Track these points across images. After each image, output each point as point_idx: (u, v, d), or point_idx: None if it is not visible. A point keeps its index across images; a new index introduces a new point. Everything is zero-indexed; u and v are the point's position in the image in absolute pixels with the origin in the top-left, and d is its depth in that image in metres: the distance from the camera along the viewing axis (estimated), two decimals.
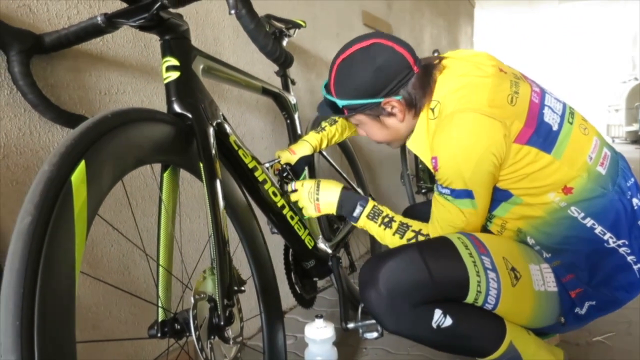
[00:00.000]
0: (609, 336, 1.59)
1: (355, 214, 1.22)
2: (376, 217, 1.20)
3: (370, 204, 1.22)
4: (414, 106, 1.13)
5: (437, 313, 1.02)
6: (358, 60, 1.10)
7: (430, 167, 1.12)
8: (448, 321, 1.02)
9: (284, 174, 1.35)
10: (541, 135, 1.04)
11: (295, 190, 1.26)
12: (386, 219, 1.19)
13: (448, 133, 1.04)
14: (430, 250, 1.07)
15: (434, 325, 1.02)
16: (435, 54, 3.17)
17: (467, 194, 1.07)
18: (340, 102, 1.14)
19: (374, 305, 1.03)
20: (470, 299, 1.03)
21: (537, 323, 1.12)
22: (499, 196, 1.12)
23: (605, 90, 11.56)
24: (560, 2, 9.81)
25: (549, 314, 1.11)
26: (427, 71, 1.13)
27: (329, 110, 1.20)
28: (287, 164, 1.37)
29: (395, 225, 1.18)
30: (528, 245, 1.13)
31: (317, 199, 1.23)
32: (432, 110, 1.11)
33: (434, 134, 1.09)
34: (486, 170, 1.04)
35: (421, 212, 1.41)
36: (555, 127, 1.06)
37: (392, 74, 1.09)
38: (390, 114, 1.15)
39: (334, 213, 1.24)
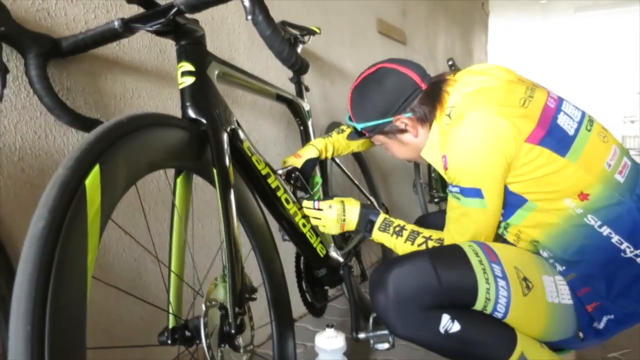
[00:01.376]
0: (625, 352, 1.56)
1: (368, 229, 1.26)
2: (387, 228, 1.23)
3: (382, 216, 1.25)
4: (425, 120, 1.17)
5: (445, 318, 1.02)
6: (367, 86, 1.20)
7: (442, 171, 1.13)
8: (456, 327, 1.02)
9: (294, 179, 1.34)
10: (554, 137, 1.03)
11: (320, 210, 1.27)
12: (397, 228, 1.22)
13: (457, 131, 1.06)
14: (440, 255, 1.07)
15: (442, 330, 1.01)
16: (449, 63, 3.17)
17: (477, 193, 1.07)
18: (359, 126, 1.23)
19: (382, 309, 1.04)
20: (479, 306, 1.02)
21: (551, 336, 1.09)
22: (513, 201, 1.10)
23: (621, 101, 11.44)
24: (575, 11, 9.74)
25: (564, 327, 1.08)
26: (436, 86, 1.16)
27: (356, 135, 1.30)
28: (294, 167, 1.36)
29: (406, 234, 1.20)
30: (543, 258, 1.11)
31: (344, 220, 1.27)
32: (449, 115, 1.12)
33: (447, 134, 1.10)
34: (494, 169, 1.04)
35: (432, 222, 1.39)
36: (571, 133, 1.05)
37: (398, 94, 1.16)
38: (404, 131, 1.20)
39: (353, 229, 1.28)
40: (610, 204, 1.03)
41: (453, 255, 1.07)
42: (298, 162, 1.37)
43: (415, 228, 1.21)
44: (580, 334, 1.08)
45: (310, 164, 1.38)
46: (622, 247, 1.03)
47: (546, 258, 1.10)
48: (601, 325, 1.07)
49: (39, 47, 0.92)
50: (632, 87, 11.20)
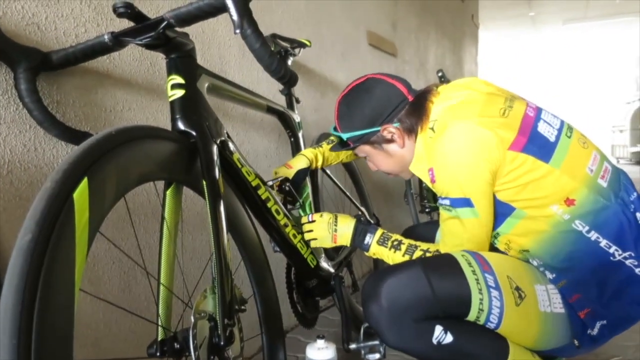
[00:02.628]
0: None
1: (366, 242, 1.26)
2: (386, 242, 1.24)
3: (380, 231, 1.26)
4: (411, 131, 1.19)
5: (438, 329, 1.02)
6: (355, 96, 1.21)
7: (430, 184, 1.14)
8: (449, 338, 1.02)
9: (284, 189, 1.34)
10: (536, 144, 1.05)
11: (313, 221, 1.29)
12: (395, 242, 1.23)
13: (442, 144, 1.08)
14: (433, 266, 1.07)
15: (435, 341, 1.01)
16: (439, 74, 3.20)
17: (467, 202, 1.08)
18: (344, 135, 1.23)
19: (375, 319, 1.04)
20: (472, 316, 1.02)
21: (543, 345, 1.10)
22: (502, 210, 1.11)
23: (609, 111, 11.58)
24: (564, 23, 9.87)
25: (557, 336, 1.09)
26: (422, 97, 1.18)
27: (340, 146, 1.29)
28: (286, 178, 1.37)
29: (404, 247, 1.21)
30: (534, 266, 1.12)
31: (335, 230, 1.27)
32: (432, 129, 1.14)
33: (431, 147, 1.12)
34: (481, 178, 1.05)
35: (420, 234, 1.41)
36: (552, 139, 1.07)
37: (386, 103, 1.18)
38: (390, 141, 1.21)
39: (348, 244, 1.28)
40: (596, 208, 1.04)
41: (446, 265, 1.07)
42: (289, 173, 1.38)
43: (412, 242, 1.22)
44: (576, 342, 1.09)
45: (301, 174, 1.39)
46: (611, 250, 1.04)
47: (536, 267, 1.11)
48: (595, 332, 1.08)
49: (29, 61, 0.93)
50: (621, 97, 11.35)
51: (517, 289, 1.05)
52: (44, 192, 0.61)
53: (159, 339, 0.85)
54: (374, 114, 1.18)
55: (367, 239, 1.25)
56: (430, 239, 1.22)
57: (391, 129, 1.18)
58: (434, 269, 1.05)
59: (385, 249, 1.23)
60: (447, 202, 1.11)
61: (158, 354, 0.83)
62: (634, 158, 9.84)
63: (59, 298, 0.58)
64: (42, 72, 0.98)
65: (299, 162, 1.41)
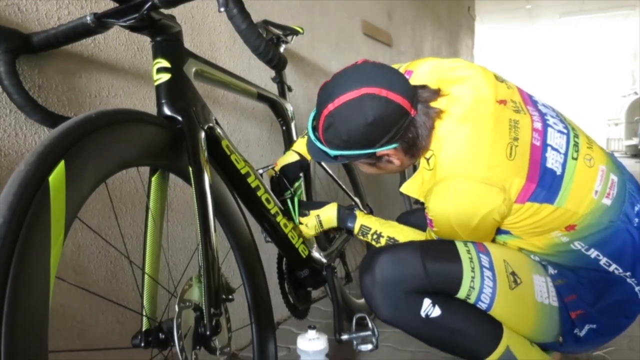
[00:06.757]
0: (610, 350, 1.55)
1: (351, 232, 1.29)
2: (366, 235, 1.26)
3: (358, 223, 1.27)
4: (410, 151, 1.07)
5: (426, 302, 1.03)
6: (347, 114, 1.00)
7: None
8: (436, 311, 1.03)
9: (276, 181, 1.33)
10: (545, 186, 0.99)
11: (301, 223, 1.31)
12: (375, 235, 1.25)
13: (444, 200, 1.02)
14: (428, 243, 1.11)
15: (423, 314, 1.03)
16: None
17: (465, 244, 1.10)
18: (332, 152, 1.07)
19: (368, 291, 1.07)
20: (462, 294, 1.03)
21: (539, 336, 1.08)
22: (499, 231, 1.11)
23: (605, 104, 11.59)
24: (560, 16, 9.85)
25: (551, 329, 1.08)
26: (427, 114, 1.03)
27: (324, 157, 1.11)
28: (280, 172, 1.35)
29: (383, 241, 1.23)
30: (535, 260, 1.11)
31: (319, 215, 1.30)
32: (427, 160, 1.07)
33: (429, 190, 1.06)
34: (486, 228, 1.05)
35: (415, 221, 1.39)
36: (559, 171, 1.01)
37: (387, 126, 1.00)
38: (388, 162, 1.10)
39: (335, 224, 1.30)
40: (596, 230, 1.02)
41: (441, 243, 1.09)
42: (279, 165, 1.36)
43: (392, 234, 1.22)
44: (560, 339, 1.08)
45: (296, 167, 1.37)
46: (610, 269, 1.03)
47: (538, 261, 1.10)
48: (582, 333, 1.07)
49: (8, 43, 0.89)
50: (616, 90, 11.37)
51: (513, 274, 1.05)
52: (17, 175, 0.58)
53: (144, 329, 0.83)
54: (371, 137, 1.02)
55: (349, 228, 1.28)
56: (424, 226, 1.20)
57: (390, 152, 1.05)
58: (428, 245, 1.09)
59: (368, 240, 1.27)
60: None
61: (142, 344, 0.81)
62: (629, 151, 9.86)
63: (33, 285, 0.55)
64: (23, 55, 0.95)
65: (288, 158, 1.37)
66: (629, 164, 8.13)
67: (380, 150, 1.05)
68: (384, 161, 1.10)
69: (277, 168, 1.36)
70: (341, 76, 1.05)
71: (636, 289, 1.04)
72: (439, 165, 1.03)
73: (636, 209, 1.05)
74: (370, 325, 1.21)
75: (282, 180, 1.32)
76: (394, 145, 1.04)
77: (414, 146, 1.05)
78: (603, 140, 10.88)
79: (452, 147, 1.01)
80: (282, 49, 1.67)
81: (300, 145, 1.40)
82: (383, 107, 0.98)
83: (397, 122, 1.01)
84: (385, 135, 1.02)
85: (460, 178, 0.99)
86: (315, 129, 1.09)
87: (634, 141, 9.48)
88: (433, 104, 1.04)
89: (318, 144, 1.09)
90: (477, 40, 6.65)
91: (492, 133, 1.00)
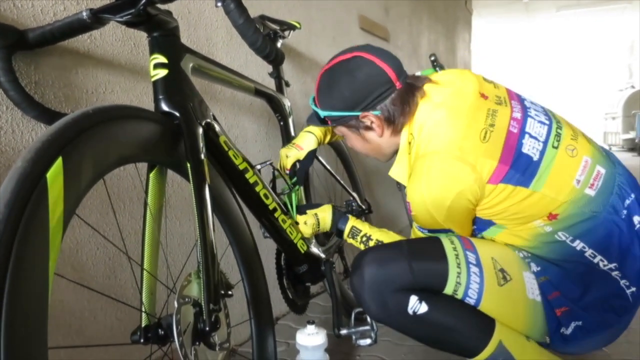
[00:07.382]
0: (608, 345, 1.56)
1: (342, 234, 1.30)
2: (355, 237, 1.26)
3: (350, 224, 1.27)
4: (392, 123, 1.13)
5: (413, 299, 1.03)
6: (338, 73, 1.11)
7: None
8: (423, 307, 1.03)
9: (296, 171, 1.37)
10: (519, 170, 1.01)
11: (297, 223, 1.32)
12: (364, 238, 1.25)
13: (418, 179, 1.06)
14: (415, 240, 1.13)
15: (410, 311, 1.03)
16: (432, 58, 3.17)
17: (445, 232, 1.11)
18: (322, 113, 1.17)
19: (357, 290, 1.07)
20: (449, 289, 1.03)
21: (535, 333, 1.08)
22: (482, 222, 1.13)
23: (602, 98, 11.61)
24: (558, 10, 9.84)
25: (542, 326, 1.08)
26: (410, 90, 1.11)
27: (317, 120, 1.22)
28: (297, 160, 1.37)
29: (371, 244, 1.23)
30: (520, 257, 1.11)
31: (316, 214, 1.31)
32: (410, 144, 1.12)
33: (409, 175, 1.12)
34: (460, 211, 1.06)
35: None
36: (536, 157, 1.02)
37: (370, 88, 1.09)
38: (369, 128, 1.16)
39: (329, 228, 1.31)
40: (580, 220, 1.03)
41: (428, 241, 1.10)
42: (300, 155, 1.37)
43: (381, 237, 1.23)
44: (547, 338, 1.08)
45: (311, 155, 1.39)
46: (595, 260, 1.03)
47: (522, 258, 1.10)
48: (568, 331, 1.07)
49: (4, 39, 0.89)
50: (613, 84, 11.38)
51: (502, 270, 1.05)
52: (15, 172, 0.58)
53: (143, 325, 0.83)
54: (355, 97, 1.10)
55: (340, 230, 1.29)
56: None
57: (371, 117, 1.12)
58: (414, 243, 1.11)
59: (357, 243, 1.27)
60: (425, 231, 1.14)
61: (142, 340, 0.81)
62: (626, 145, 9.89)
63: (31, 282, 0.55)
64: (19, 51, 0.94)
65: (308, 142, 1.38)
66: (626, 157, 8.14)
67: (362, 113, 1.11)
68: (366, 128, 1.15)
69: (302, 152, 1.37)
70: (341, 50, 1.17)
71: (621, 282, 1.03)
72: (416, 147, 1.09)
73: (627, 202, 1.04)
74: (368, 320, 1.21)
75: (308, 163, 1.36)
76: (376, 112, 1.11)
77: (394, 117, 1.11)
78: (600, 133, 10.90)
79: (428, 128, 1.07)
80: (279, 44, 1.66)
81: (315, 129, 1.41)
82: (370, 69, 1.08)
83: (381, 86, 1.09)
84: (368, 98, 1.09)
85: (433, 154, 1.04)
86: (314, 96, 1.21)
87: (631, 135, 9.51)
88: (419, 87, 1.12)
89: (313, 106, 1.20)
90: (474, 34, 6.64)
91: (468, 118, 1.04)
